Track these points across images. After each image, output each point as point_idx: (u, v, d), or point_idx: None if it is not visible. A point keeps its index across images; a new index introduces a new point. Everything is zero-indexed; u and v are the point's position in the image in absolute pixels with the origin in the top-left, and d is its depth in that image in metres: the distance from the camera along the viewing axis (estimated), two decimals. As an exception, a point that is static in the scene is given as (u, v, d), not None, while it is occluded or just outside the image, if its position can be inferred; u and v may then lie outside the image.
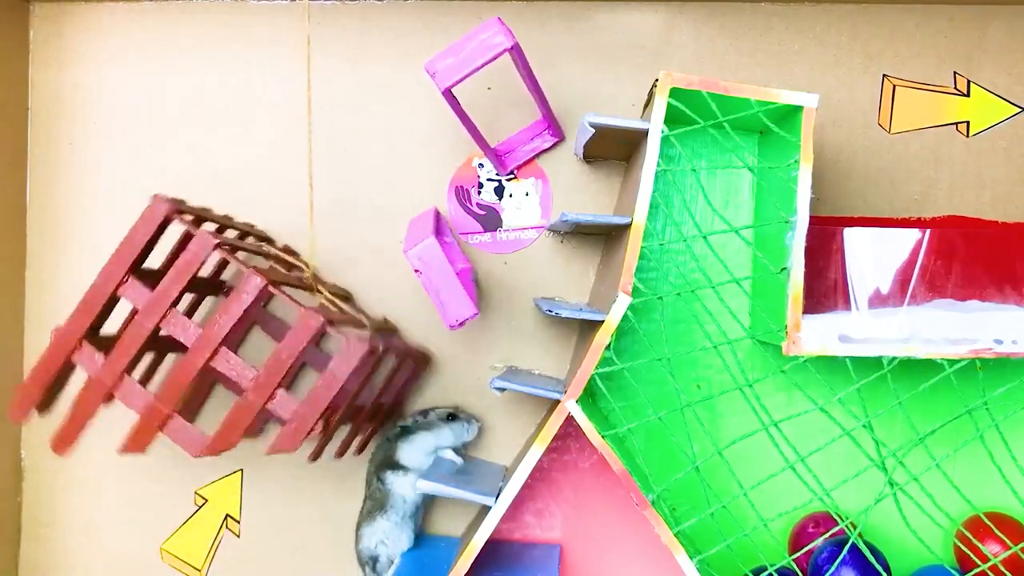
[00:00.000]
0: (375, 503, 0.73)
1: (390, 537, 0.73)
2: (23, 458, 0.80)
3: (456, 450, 0.75)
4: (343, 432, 0.72)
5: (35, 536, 0.80)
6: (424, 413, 0.74)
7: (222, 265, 0.76)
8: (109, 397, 0.62)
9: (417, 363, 0.75)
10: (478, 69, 0.63)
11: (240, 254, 0.67)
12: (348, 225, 0.78)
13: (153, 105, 0.80)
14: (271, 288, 0.59)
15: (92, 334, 0.62)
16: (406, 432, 0.73)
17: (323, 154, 0.79)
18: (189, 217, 0.65)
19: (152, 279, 0.62)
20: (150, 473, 0.79)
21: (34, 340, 0.80)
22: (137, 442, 0.61)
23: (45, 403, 0.63)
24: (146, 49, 0.80)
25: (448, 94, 0.64)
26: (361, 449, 0.75)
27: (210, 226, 0.67)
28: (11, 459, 0.79)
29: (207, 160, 0.79)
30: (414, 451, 0.73)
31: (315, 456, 0.70)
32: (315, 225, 0.79)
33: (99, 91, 0.80)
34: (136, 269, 0.62)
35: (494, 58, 0.63)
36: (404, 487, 0.73)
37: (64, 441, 0.62)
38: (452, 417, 0.74)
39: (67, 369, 0.62)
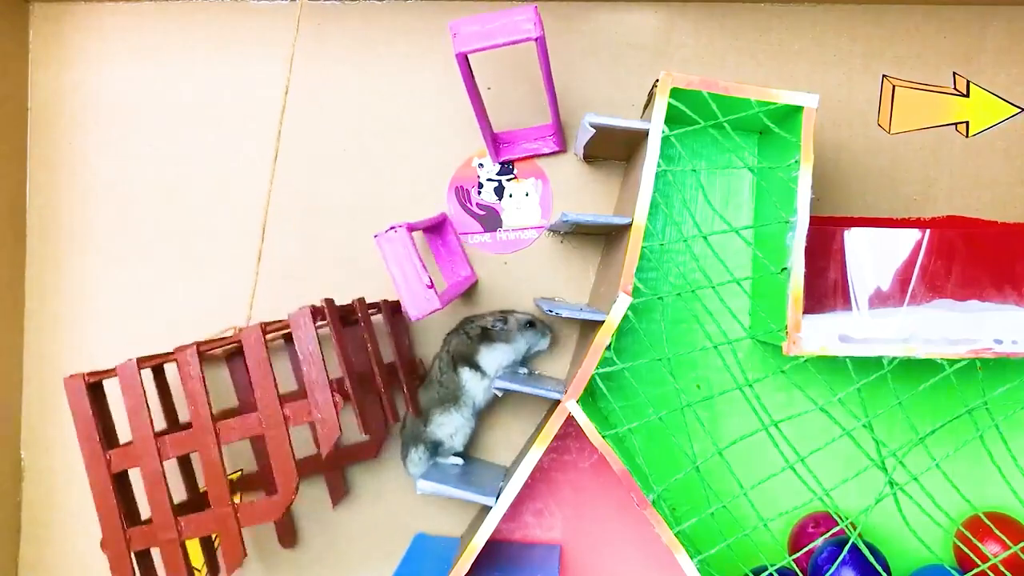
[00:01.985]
0: (448, 393, 0.73)
1: (460, 432, 0.74)
2: (23, 458, 0.80)
3: (525, 360, 0.75)
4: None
5: (35, 536, 0.80)
6: (504, 319, 0.74)
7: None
8: (178, 542, 0.64)
9: (390, 317, 0.74)
10: (498, 46, 0.63)
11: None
12: (348, 225, 0.78)
13: (153, 105, 0.80)
14: (201, 351, 0.62)
15: (129, 517, 0.65)
16: (487, 338, 0.73)
17: (323, 154, 0.79)
18: (103, 374, 0.66)
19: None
20: (150, 473, 0.79)
21: (34, 340, 0.80)
22: (233, 556, 0.63)
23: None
24: (146, 49, 0.80)
25: (462, 59, 0.64)
26: (415, 409, 0.74)
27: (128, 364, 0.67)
28: (11, 459, 0.79)
29: (207, 160, 0.79)
30: (493, 359, 0.73)
31: (366, 429, 0.68)
32: (315, 225, 0.79)
33: (99, 91, 0.80)
34: (110, 438, 0.64)
35: (516, 41, 0.63)
36: (478, 389, 0.73)
37: None
38: (530, 325, 0.74)
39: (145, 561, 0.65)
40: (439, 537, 0.77)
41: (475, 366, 0.73)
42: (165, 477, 0.63)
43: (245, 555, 0.63)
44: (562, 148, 0.77)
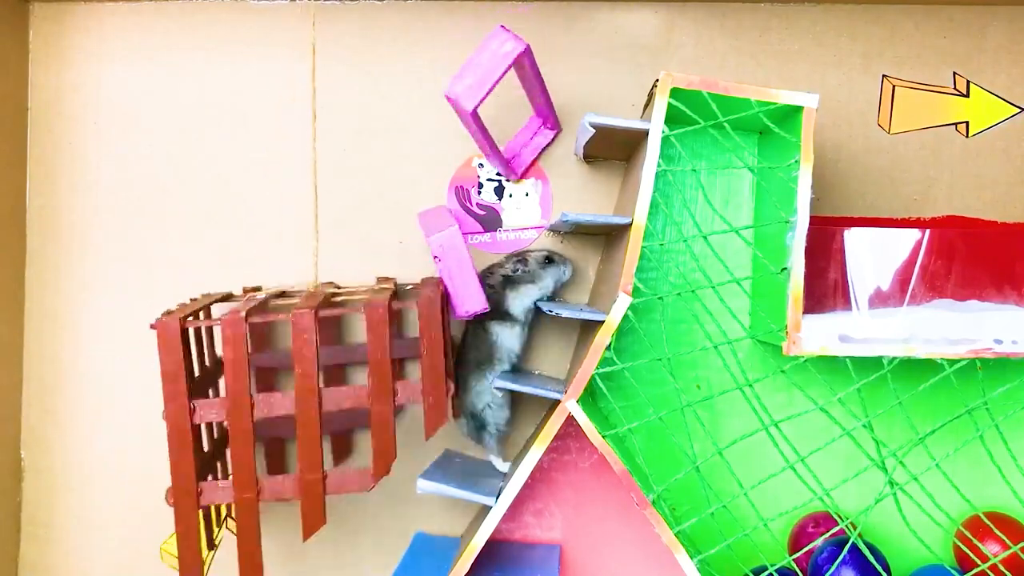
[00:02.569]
0: (481, 354, 0.72)
1: (496, 402, 0.73)
2: (23, 458, 0.80)
3: (553, 296, 0.74)
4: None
5: (35, 536, 0.80)
6: (522, 260, 0.73)
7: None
8: (256, 502, 0.62)
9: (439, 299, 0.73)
10: (498, 82, 0.63)
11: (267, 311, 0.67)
12: (348, 225, 0.78)
13: (153, 105, 0.80)
14: (320, 314, 0.61)
15: (202, 470, 0.63)
16: (511, 282, 0.72)
17: (323, 154, 0.79)
18: (199, 318, 0.64)
19: (209, 381, 0.64)
20: (150, 473, 0.78)
21: (34, 340, 0.80)
22: (314, 522, 0.62)
23: (210, 542, 0.66)
24: (146, 49, 0.80)
25: (475, 115, 0.63)
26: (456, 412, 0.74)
27: (222, 307, 0.66)
28: (11, 459, 0.79)
29: (207, 160, 0.79)
30: (521, 303, 0.72)
31: (457, 414, 0.70)
32: (316, 225, 0.79)
33: (99, 91, 0.80)
34: (192, 390, 0.62)
35: (510, 66, 0.63)
36: (510, 338, 0.72)
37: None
38: (549, 260, 0.73)
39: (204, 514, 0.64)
40: (439, 537, 0.77)
41: (504, 316, 0.72)
42: (254, 435, 0.61)
43: (324, 522, 0.62)
44: (558, 128, 0.76)
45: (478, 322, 0.72)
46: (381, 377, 0.61)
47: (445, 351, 0.65)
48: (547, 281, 0.73)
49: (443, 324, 0.64)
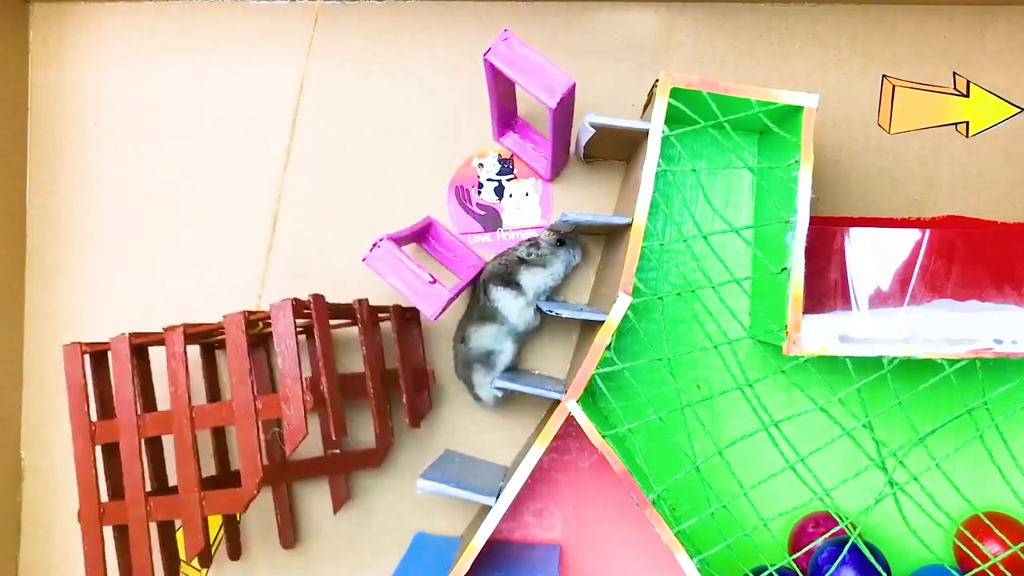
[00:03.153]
0: (484, 313, 0.73)
1: (499, 341, 0.73)
2: (23, 458, 0.80)
3: (555, 293, 0.76)
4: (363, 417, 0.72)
5: (35, 536, 0.80)
6: (535, 244, 0.74)
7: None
8: (146, 521, 0.64)
9: (399, 319, 0.73)
10: (514, 81, 0.64)
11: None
12: (348, 225, 0.78)
13: (153, 105, 0.80)
14: (188, 333, 0.63)
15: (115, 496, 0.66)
16: (526, 263, 0.73)
17: (323, 154, 0.79)
18: (99, 345, 0.66)
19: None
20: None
21: (34, 340, 0.80)
22: (193, 542, 0.63)
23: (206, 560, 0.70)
24: (146, 49, 0.80)
25: (486, 62, 0.65)
26: (414, 420, 0.74)
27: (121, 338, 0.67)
28: (11, 459, 0.79)
29: (207, 160, 0.79)
30: (533, 279, 0.73)
31: (337, 432, 0.64)
32: (315, 225, 0.79)
33: (99, 91, 0.80)
34: (106, 410, 0.65)
35: (533, 95, 0.64)
36: (512, 307, 0.73)
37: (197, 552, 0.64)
38: (560, 243, 0.74)
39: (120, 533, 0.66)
40: (439, 537, 0.77)
41: (512, 284, 0.73)
42: (142, 455, 0.64)
43: (204, 544, 0.62)
44: (548, 180, 0.77)
45: (484, 289, 0.73)
46: (241, 390, 0.61)
47: (327, 368, 0.64)
48: (557, 267, 0.74)
49: (324, 339, 0.64)
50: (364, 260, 0.65)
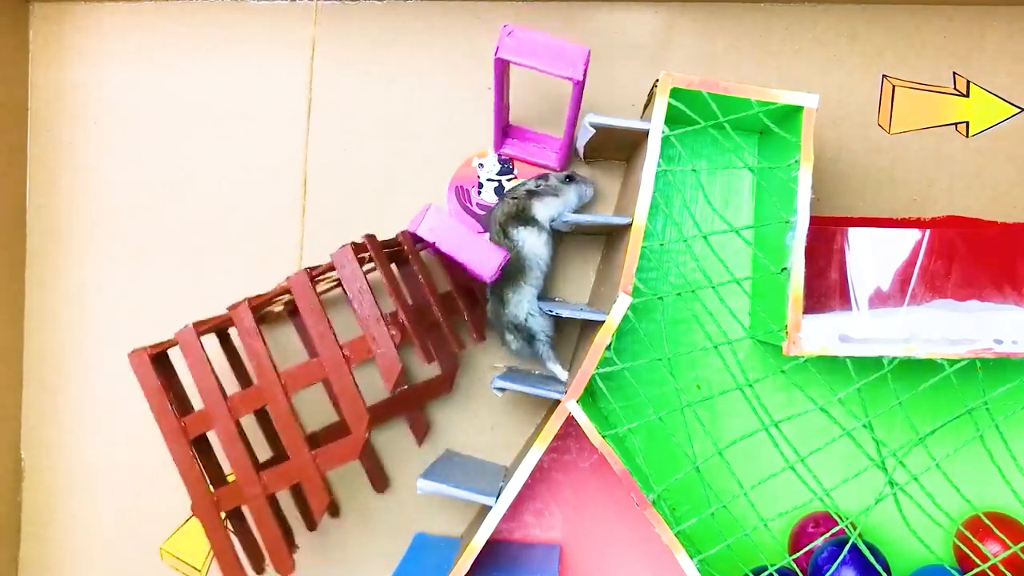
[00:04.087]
0: (512, 266, 0.72)
1: (535, 308, 0.72)
2: (23, 458, 0.80)
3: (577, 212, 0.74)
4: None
5: (35, 536, 0.80)
6: (544, 177, 0.73)
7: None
8: (272, 500, 0.64)
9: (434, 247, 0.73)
10: (533, 68, 0.64)
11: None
12: (348, 225, 0.78)
13: (153, 105, 0.80)
14: (253, 306, 0.62)
15: (215, 479, 0.65)
16: (535, 194, 0.72)
17: (323, 154, 0.79)
18: (165, 345, 0.66)
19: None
20: (150, 473, 0.79)
21: (34, 340, 0.80)
22: (320, 500, 0.63)
23: (255, 562, 0.68)
24: (146, 49, 0.80)
25: (499, 63, 0.65)
26: (481, 334, 0.74)
27: (186, 330, 0.67)
28: (11, 459, 0.79)
29: (207, 160, 0.79)
30: (546, 209, 0.72)
31: (429, 359, 0.66)
32: (315, 225, 0.79)
33: (99, 91, 0.80)
34: (183, 406, 0.65)
35: (555, 75, 0.64)
36: (536, 244, 0.72)
37: (283, 565, 0.64)
38: (569, 179, 0.74)
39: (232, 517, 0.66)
40: (439, 537, 0.77)
41: (529, 220, 0.72)
42: (242, 434, 0.63)
43: (330, 499, 0.63)
44: (562, 167, 0.77)
45: (504, 235, 0.72)
46: (325, 342, 0.61)
47: (416, 294, 0.66)
48: (570, 195, 0.73)
49: (388, 273, 0.64)
50: (416, 231, 0.65)
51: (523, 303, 0.72)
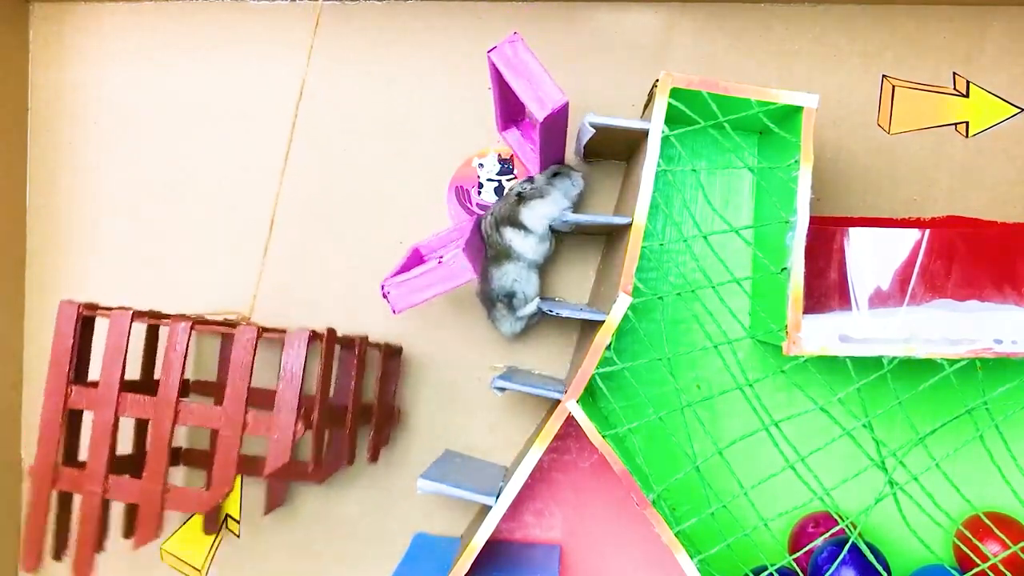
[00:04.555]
0: (499, 253, 0.73)
1: (521, 277, 0.73)
2: (23, 458, 0.80)
3: (574, 207, 0.75)
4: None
5: (35, 536, 0.80)
6: (529, 179, 0.74)
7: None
8: (104, 503, 0.63)
9: (386, 355, 0.75)
10: (510, 85, 0.64)
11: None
12: (348, 225, 0.78)
13: (153, 105, 0.80)
14: (196, 328, 0.63)
15: (67, 459, 0.64)
16: (523, 199, 0.73)
17: (323, 154, 0.79)
18: (98, 311, 0.65)
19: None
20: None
21: (34, 340, 0.80)
22: (147, 532, 0.62)
23: (59, 546, 0.65)
24: (146, 49, 0.80)
25: (492, 64, 0.65)
26: (373, 456, 0.75)
27: (123, 312, 0.66)
28: (11, 459, 0.79)
29: (207, 160, 0.79)
30: (532, 213, 0.73)
31: (316, 466, 0.68)
32: (315, 225, 0.79)
33: (99, 91, 0.80)
34: (77, 377, 0.63)
35: (525, 103, 0.64)
36: (523, 245, 0.73)
37: (84, 566, 0.63)
38: (555, 175, 0.74)
39: (62, 502, 0.64)
40: (439, 537, 0.77)
41: (517, 224, 0.72)
42: (115, 431, 0.63)
43: (158, 535, 0.62)
44: (531, 173, 0.77)
45: (496, 230, 0.73)
46: (235, 401, 0.61)
47: (341, 397, 0.67)
48: (555, 194, 0.73)
49: (325, 364, 0.65)
50: (394, 312, 0.66)
51: (508, 274, 0.73)
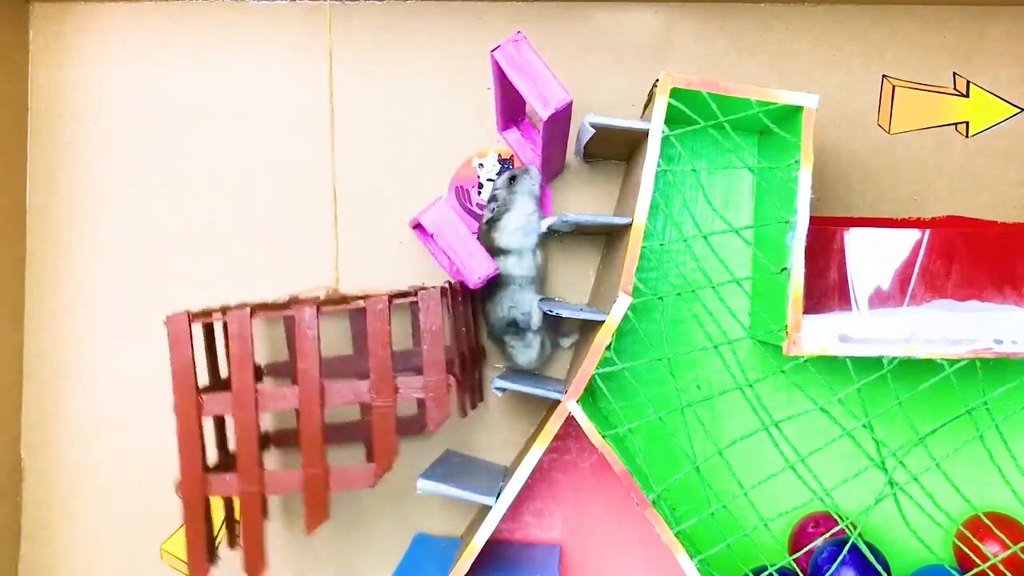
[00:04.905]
0: (494, 283, 0.72)
1: (516, 301, 0.73)
2: (23, 458, 0.80)
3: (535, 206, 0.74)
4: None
5: (35, 536, 0.80)
6: (492, 199, 0.74)
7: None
8: (263, 500, 0.63)
9: (469, 302, 0.75)
10: (514, 84, 0.64)
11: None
12: (348, 225, 0.78)
13: (153, 105, 0.80)
14: (322, 310, 0.62)
15: (206, 466, 0.64)
16: (492, 222, 0.73)
17: (323, 154, 0.79)
18: (206, 315, 0.65)
19: (220, 381, 0.66)
20: (150, 473, 0.79)
21: (34, 340, 0.80)
22: (316, 515, 0.63)
23: (211, 553, 0.65)
24: (146, 49, 0.80)
25: (494, 60, 0.65)
26: (481, 396, 0.76)
27: (241, 310, 0.66)
28: (11, 459, 0.79)
29: (207, 160, 0.79)
30: (508, 233, 0.72)
31: (463, 412, 0.72)
32: (314, 225, 0.79)
33: (99, 91, 0.80)
34: (198, 386, 0.63)
35: (529, 102, 0.64)
36: (515, 267, 0.72)
37: (257, 564, 0.63)
38: (512, 179, 0.74)
39: (208, 510, 0.64)
40: (439, 537, 0.77)
41: (497, 251, 0.72)
42: (259, 429, 0.62)
43: (327, 517, 0.63)
44: (548, 214, 0.77)
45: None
46: (382, 372, 0.61)
47: (460, 346, 0.68)
48: (520, 200, 0.73)
49: (447, 318, 0.66)
50: (420, 219, 0.65)
51: (503, 303, 0.73)
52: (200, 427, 0.62)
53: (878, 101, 0.77)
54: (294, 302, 0.63)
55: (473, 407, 0.75)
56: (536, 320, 0.73)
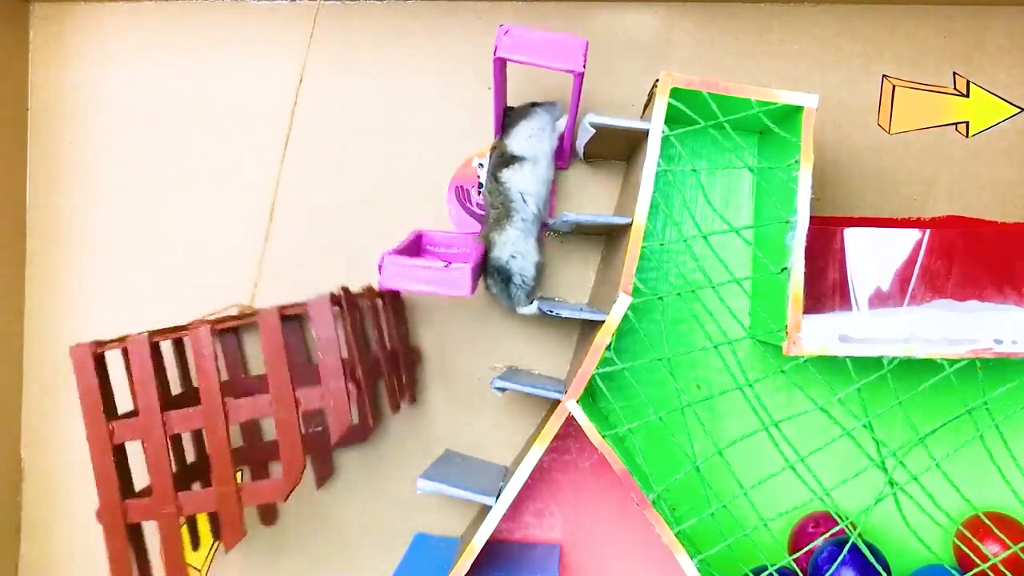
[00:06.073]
0: (501, 211, 0.71)
1: (519, 250, 0.71)
2: (23, 458, 0.80)
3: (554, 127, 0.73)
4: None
5: (35, 536, 0.80)
6: (508, 110, 0.73)
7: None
8: (179, 519, 0.63)
9: (392, 305, 0.75)
10: (538, 65, 0.64)
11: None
12: (348, 224, 0.78)
13: (153, 105, 0.80)
14: (215, 329, 0.63)
15: (127, 491, 0.64)
16: (505, 133, 0.72)
17: (323, 154, 0.79)
18: (115, 344, 0.65)
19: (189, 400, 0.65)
20: (150, 473, 0.79)
21: (34, 340, 0.80)
22: (233, 534, 0.63)
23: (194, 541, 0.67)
24: (146, 49, 0.80)
25: (497, 61, 0.65)
26: (412, 397, 0.76)
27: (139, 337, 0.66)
28: (11, 459, 0.79)
29: (207, 160, 0.79)
30: (520, 138, 0.71)
31: (395, 408, 0.73)
32: (314, 225, 0.79)
33: (99, 91, 0.80)
34: (111, 412, 0.63)
35: (556, 69, 0.64)
36: (522, 179, 0.71)
37: None
38: (534, 104, 0.73)
39: (135, 534, 0.64)
40: (439, 537, 0.77)
41: (510, 159, 0.71)
42: (169, 451, 0.63)
43: (244, 534, 0.63)
44: (564, 164, 0.77)
45: (493, 179, 0.72)
46: (280, 385, 0.61)
47: (352, 356, 0.67)
48: (537, 113, 0.72)
49: (345, 325, 0.66)
50: (380, 285, 0.65)
51: (507, 245, 0.71)
52: (114, 453, 0.63)
53: (878, 101, 0.77)
54: (196, 324, 0.63)
55: (411, 402, 0.76)
56: (531, 309, 0.73)
